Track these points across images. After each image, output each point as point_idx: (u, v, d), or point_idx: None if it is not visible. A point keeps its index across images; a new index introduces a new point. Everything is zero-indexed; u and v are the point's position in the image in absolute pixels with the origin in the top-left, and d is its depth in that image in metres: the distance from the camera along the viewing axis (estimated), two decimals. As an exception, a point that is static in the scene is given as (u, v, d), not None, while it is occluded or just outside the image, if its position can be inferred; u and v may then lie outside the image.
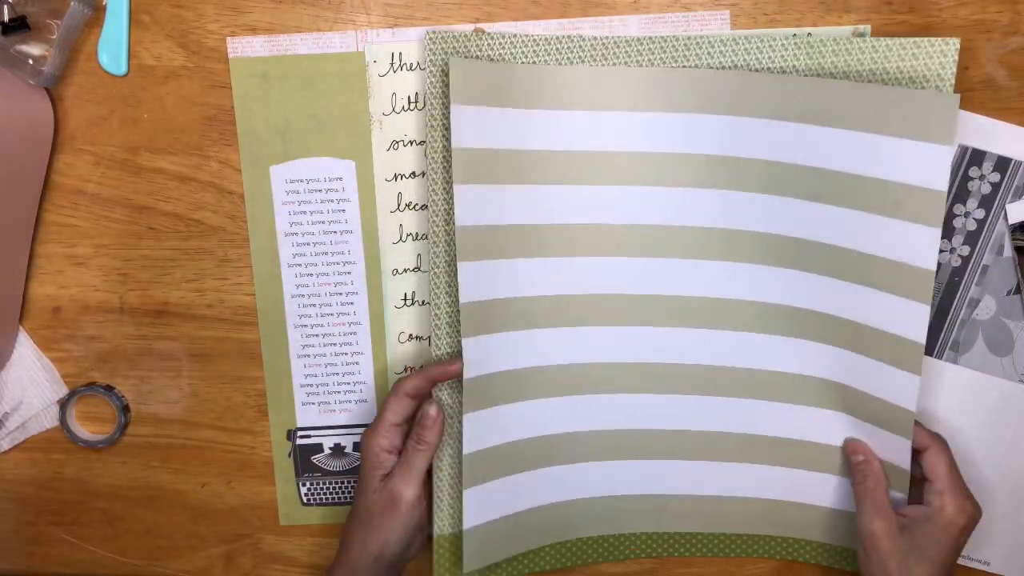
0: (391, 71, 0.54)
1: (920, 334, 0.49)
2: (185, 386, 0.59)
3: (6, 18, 0.52)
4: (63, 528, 0.62)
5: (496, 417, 0.53)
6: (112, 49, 0.54)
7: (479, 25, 0.53)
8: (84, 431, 0.60)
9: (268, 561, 0.61)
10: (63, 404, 0.59)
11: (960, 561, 0.57)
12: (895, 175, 0.48)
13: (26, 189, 0.56)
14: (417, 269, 0.57)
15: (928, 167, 0.47)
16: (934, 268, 0.48)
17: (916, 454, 0.52)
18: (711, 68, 0.51)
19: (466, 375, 0.52)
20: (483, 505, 0.54)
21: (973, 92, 0.53)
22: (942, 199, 0.47)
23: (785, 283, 0.52)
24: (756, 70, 0.51)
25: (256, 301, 0.58)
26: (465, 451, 0.53)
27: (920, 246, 0.48)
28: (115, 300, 0.58)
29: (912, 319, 0.49)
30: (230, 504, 0.61)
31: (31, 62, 0.53)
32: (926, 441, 0.51)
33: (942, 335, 0.55)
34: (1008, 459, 0.56)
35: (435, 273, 0.53)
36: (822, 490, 0.56)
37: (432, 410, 0.52)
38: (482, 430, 0.53)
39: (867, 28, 0.52)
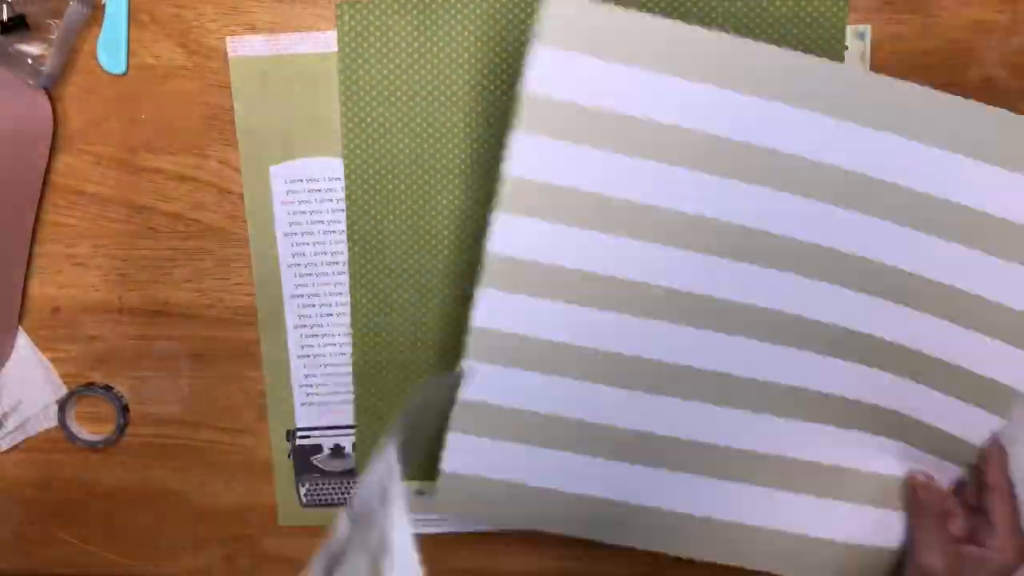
0: (391, 71, 0.54)
1: (1017, 379, 0.48)
2: (185, 386, 0.59)
3: (5, 17, 0.52)
4: (63, 528, 0.62)
5: (501, 377, 0.49)
6: (111, 49, 0.54)
7: (479, 25, 0.53)
8: (83, 431, 0.60)
9: (268, 561, 0.61)
10: (62, 404, 0.59)
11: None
12: (1011, 213, 0.45)
13: (25, 189, 0.55)
14: (417, 269, 0.57)
15: None
16: None
17: (980, 491, 0.51)
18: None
19: (476, 323, 0.48)
20: (464, 456, 0.51)
21: (975, 93, 0.52)
22: None
23: (869, 311, 0.48)
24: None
25: (256, 301, 0.57)
26: (462, 397, 0.49)
27: None
28: (114, 300, 0.58)
29: (1010, 364, 0.47)
30: (230, 504, 0.61)
31: (30, 62, 0.53)
32: (997, 481, 0.50)
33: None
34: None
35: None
36: (858, 525, 0.53)
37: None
38: (486, 382, 0.49)
39: (867, 28, 0.52)
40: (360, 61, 0.53)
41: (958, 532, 0.51)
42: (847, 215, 0.46)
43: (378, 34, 0.53)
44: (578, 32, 0.43)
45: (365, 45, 0.53)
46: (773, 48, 0.44)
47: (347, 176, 0.55)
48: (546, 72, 0.43)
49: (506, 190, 0.45)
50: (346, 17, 0.53)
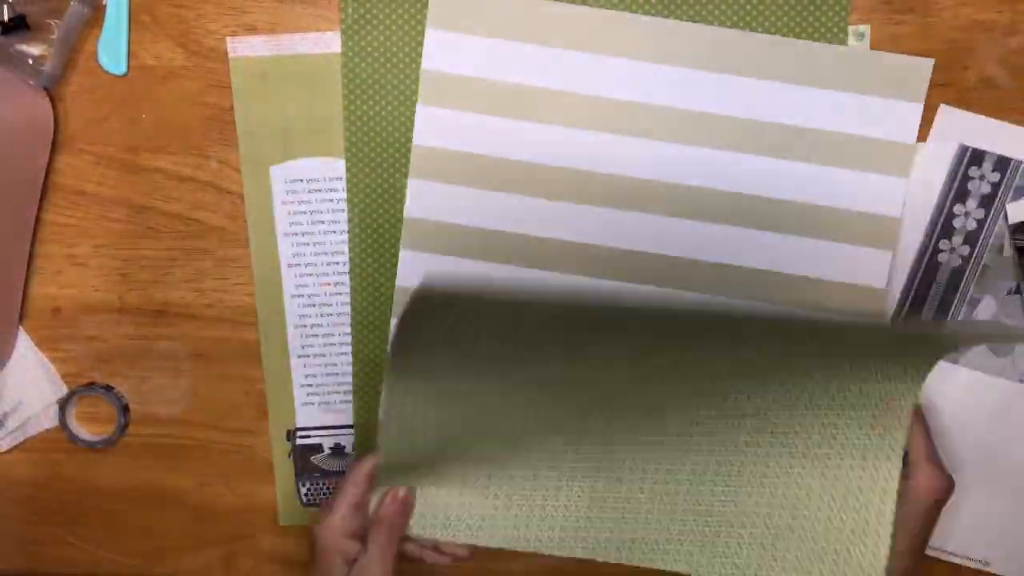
0: (391, 71, 0.54)
1: (881, 280, 0.53)
2: (185, 386, 0.59)
3: (6, 17, 0.52)
4: (63, 528, 0.62)
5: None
6: (112, 49, 0.54)
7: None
8: (84, 431, 0.60)
9: (268, 561, 0.61)
10: (63, 404, 0.59)
11: (959, 561, 0.57)
12: (866, 130, 0.52)
13: (26, 189, 0.55)
14: (417, 269, 0.57)
15: (900, 122, 0.52)
16: (899, 216, 0.53)
17: None
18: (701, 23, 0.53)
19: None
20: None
21: (973, 92, 0.53)
22: (912, 151, 0.52)
23: (743, 243, 0.53)
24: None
25: (256, 301, 0.58)
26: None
27: (887, 196, 0.53)
28: (115, 300, 0.58)
29: (875, 266, 0.53)
30: (230, 504, 0.61)
31: (31, 62, 0.53)
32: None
33: (942, 335, 0.55)
34: (1008, 459, 0.56)
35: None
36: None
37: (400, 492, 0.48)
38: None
39: (867, 28, 0.52)
40: (363, 55, 0.53)
41: None
42: (709, 154, 0.53)
43: (382, 27, 0.53)
44: (460, 15, 0.52)
45: (368, 38, 0.53)
46: (622, 14, 0.51)
47: (348, 170, 0.55)
48: (436, 51, 0.52)
49: (413, 158, 0.53)
50: (349, 10, 0.53)
